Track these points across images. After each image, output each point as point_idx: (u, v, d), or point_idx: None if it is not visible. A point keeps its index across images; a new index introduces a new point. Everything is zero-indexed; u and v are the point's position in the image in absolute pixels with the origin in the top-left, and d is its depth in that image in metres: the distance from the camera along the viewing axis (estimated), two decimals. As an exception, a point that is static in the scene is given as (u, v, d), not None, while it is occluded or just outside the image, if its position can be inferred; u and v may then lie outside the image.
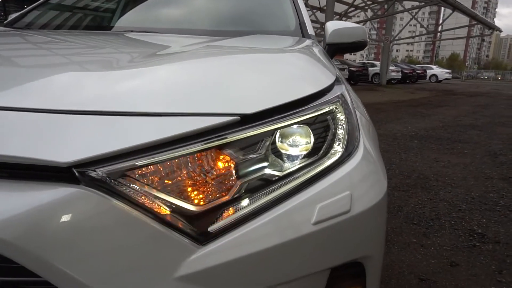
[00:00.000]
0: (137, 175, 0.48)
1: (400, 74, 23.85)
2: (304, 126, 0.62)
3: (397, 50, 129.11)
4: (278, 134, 0.59)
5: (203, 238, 0.49)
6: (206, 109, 0.54)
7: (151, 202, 0.48)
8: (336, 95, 0.72)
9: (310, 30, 1.70)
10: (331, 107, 0.68)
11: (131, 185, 0.47)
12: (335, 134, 0.66)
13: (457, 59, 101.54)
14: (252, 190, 0.55)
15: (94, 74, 0.62)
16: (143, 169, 0.48)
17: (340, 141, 0.67)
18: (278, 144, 0.59)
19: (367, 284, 0.67)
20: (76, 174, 0.44)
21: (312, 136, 0.63)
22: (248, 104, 0.57)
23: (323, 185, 0.60)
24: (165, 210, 0.48)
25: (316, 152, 0.63)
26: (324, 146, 0.64)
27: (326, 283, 0.60)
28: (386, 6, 20.88)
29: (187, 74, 0.66)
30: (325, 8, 16.81)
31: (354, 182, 0.63)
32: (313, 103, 0.65)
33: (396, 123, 6.89)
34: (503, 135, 5.99)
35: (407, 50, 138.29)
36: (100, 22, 1.88)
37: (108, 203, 0.45)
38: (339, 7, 19.88)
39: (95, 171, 0.45)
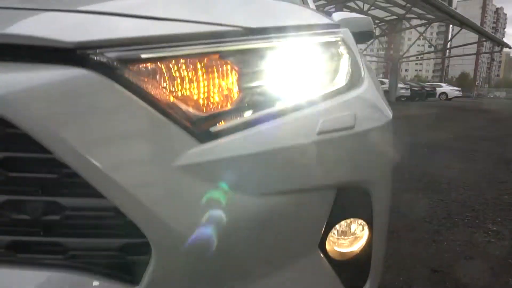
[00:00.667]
0: (142, 66, 0.48)
1: (409, 91, 23.79)
2: (307, 49, 0.62)
3: (406, 70, 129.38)
4: (282, 51, 0.58)
5: (204, 135, 0.48)
6: (213, 20, 0.54)
7: (155, 93, 0.47)
8: (340, 32, 0.72)
9: (312, 5, 1.71)
10: (335, 38, 0.68)
11: (135, 74, 0.47)
12: (339, 64, 0.66)
13: (467, 79, 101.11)
14: (255, 103, 0.54)
15: None
16: (149, 62, 0.48)
17: (343, 71, 0.66)
18: (283, 64, 0.59)
19: (373, 215, 0.64)
20: (83, 55, 0.44)
21: (318, 60, 0.62)
22: (253, 20, 0.57)
23: (327, 105, 0.59)
24: (169, 103, 0.48)
25: (319, 75, 0.62)
26: (327, 73, 0.63)
27: (332, 206, 0.58)
28: (394, 23, 21.09)
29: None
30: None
31: (358, 105, 0.61)
32: (317, 31, 0.65)
33: (406, 135, 6.82)
34: (517, 145, 5.87)
35: (416, 70, 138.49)
36: None
37: (113, 87, 0.44)
38: (347, 26, 20.08)
39: (102, 54, 0.45)
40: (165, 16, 0.52)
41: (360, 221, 0.66)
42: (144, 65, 0.48)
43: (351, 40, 0.81)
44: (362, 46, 26.69)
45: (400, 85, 23.44)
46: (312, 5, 1.89)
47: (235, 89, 0.54)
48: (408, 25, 21.93)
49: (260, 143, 0.50)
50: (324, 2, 15.94)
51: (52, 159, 0.43)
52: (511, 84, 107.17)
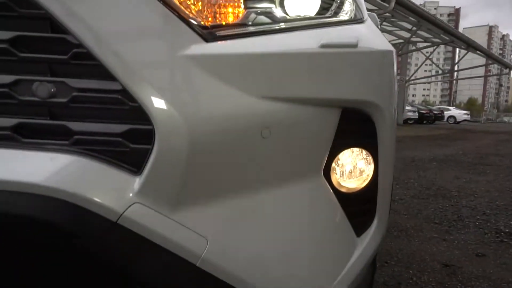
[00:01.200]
0: None
1: (416, 114, 23.71)
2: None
3: (413, 95, 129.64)
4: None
5: (210, 36, 0.49)
6: None
7: None
8: None
9: None
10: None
11: None
12: (343, 3, 0.67)
13: (475, 104, 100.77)
14: (260, 21, 0.55)
15: None
16: None
17: (347, 6, 0.67)
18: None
19: (379, 147, 0.64)
20: None
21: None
22: None
23: (332, 27, 0.60)
24: (180, 3, 0.49)
25: (324, 8, 0.63)
26: (332, 6, 0.65)
27: (336, 128, 0.58)
28: (400, 47, 21.36)
29: None
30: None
31: (361, 32, 0.62)
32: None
33: (414, 150, 6.76)
34: (527, 161, 5.77)
35: (423, 95, 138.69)
36: None
37: None
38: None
39: None
40: None
41: (365, 152, 0.65)
42: None
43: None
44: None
45: (407, 108, 23.42)
46: None
47: (241, 6, 0.55)
48: (414, 48, 22.17)
49: (262, 46, 0.51)
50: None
51: (63, 39, 0.44)
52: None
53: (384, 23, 15.71)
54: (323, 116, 0.58)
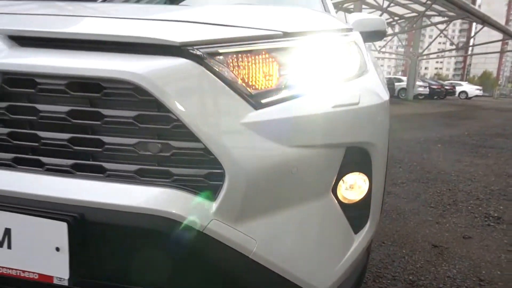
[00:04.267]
0: (219, 57, 0.73)
1: (427, 89, 23.50)
2: (327, 47, 0.86)
3: (425, 68, 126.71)
4: (309, 49, 0.83)
5: (258, 105, 0.73)
6: (263, 26, 0.79)
7: (227, 74, 0.72)
8: (353, 34, 0.96)
9: (333, 12, 1.93)
10: (348, 39, 0.92)
11: (216, 63, 0.72)
12: (351, 58, 0.90)
13: (490, 77, 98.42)
14: (289, 85, 0.79)
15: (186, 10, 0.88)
16: (224, 55, 0.73)
17: (353, 64, 0.90)
18: (309, 58, 0.83)
19: (372, 172, 0.89)
20: (184, 50, 0.69)
21: (333, 56, 0.86)
22: (289, 27, 0.82)
23: (340, 88, 0.83)
24: (233, 81, 0.73)
25: (336, 67, 0.86)
26: (341, 65, 0.88)
27: (342, 161, 0.83)
28: (415, 20, 20.90)
29: (250, 11, 0.92)
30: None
31: (362, 89, 0.85)
32: (335, 34, 0.89)
33: (421, 131, 6.93)
34: (531, 143, 5.92)
35: (436, 68, 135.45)
36: None
37: (201, 69, 0.70)
38: (366, 22, 20.02)
39: (196, 49, 0.70)
40: (232, 24, 0.77)
41: (362, 175, 0.90)
42: (221, 57, 0.73)
43: (360, 40, 1.04)
44: (382, 43, 26.50)
45: (418, 83, 23.19)
46: (332, 10, 2.10)
47: (277, 74, 0.79)
48: (428, 22, 21.64)
49: (292, 111, 0.75)
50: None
51: (167, 116, 0.68)
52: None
53: (398, -4, 15.35)
54: (333, 154, 0.82)
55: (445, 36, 22.27)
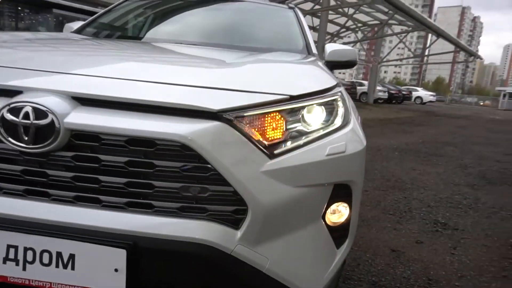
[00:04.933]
0: (244, 119, 0.94)
1: (386, 94, 24.83)
2: (321, 105, 1.10)
3: (385, 72, 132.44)
4: (307, 108, 1.06)
5: (272, 155, 0.96)
6: (274, 91, 1.01)
7: (249, 133, 0.94)
8: (339, 90, 1.21)
9: (314, 49, 2.19)
10: (335, 97, 1.16)
11: (241, 124, 0.93)
12: (337, 112, 1.14)
13: (443, 83, 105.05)
14: (294, 136, 1.02)
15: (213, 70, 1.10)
16: (246, 117, 0.94)
17: (340, 116, 1.15)
18: (307, 114, 1.07)
19: (352, 201, 1.14)
20: (220, 115, 0.90)
21: (325, 111, 1.11)
22: (294, 90, 1.05)
23: (331, 139, 1.07)
24: (254, 138, 0.94)
25: (327, 120, 1.10)
26: (331, 118, 1.12)
27: (330, 194, 1.07)
28: (376, 29, 21.95)
29: (262, 74, 1.15)
30: (318, 28, 17.62)
31: (347, 138, 1.10)
32: (327, 93, 1.13)
33: (381, 138, 7.46)
34: (475, 152, 6.61)
35: (394, 72, 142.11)
36: (146, 33, 2.34)
37: (230, 130, 0.91)
38: (331, 28, 20.79)
39: (227, 114, 0.91)
40: (252, 89, 0.99)
41: (344, 203, 1.15)
42: (245, 119, 0.94)
43: (344, 92, 1.29)
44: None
45: (378, 88, 24.41)
46: (309, 33, 2.37)
47: (284, 128, 1.01)
48: (389, 31, 22.81)
49: (296, 160, 0.98)
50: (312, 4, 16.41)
51: (206, 166, 0.88)
52: (483, 91, 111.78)
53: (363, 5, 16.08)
54: (325, 190, 1.06)
55: (404, 44, 23.59)
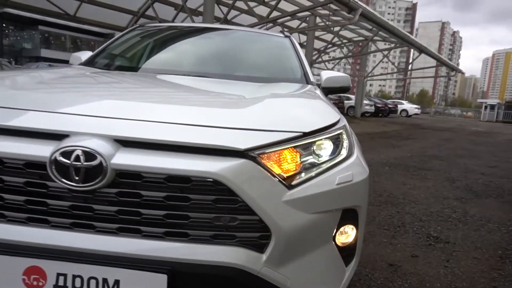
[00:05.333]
0: (265, 156, 1.07)
1: (373, 107, 25.43)
2: (329, 139, 1.25)
3: (370, 85, 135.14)
4: (317, 142, 1.20)
5: (290, 187, 1.09)
6: (290, 129, 1.15)
7: (271, 167, 1.07)
8: (344, 124, 1.36)
9: (311, 77, 2.36)
10: (341, 130, 1.31)
11: (264, 159, 1.06)
12: (343, 144, 1.29)
13: (426, 96, 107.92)
14: (307, 168, 1.16)
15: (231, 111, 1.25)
16: (267, 153, 1.07)
17: (345, 148, 1.29)
18: (318, 147, 1.21)
19: (358, 223, 1.28)
20: (246, 153, 1.04)
21: (332, 145, 1.25)
22: (306, 127, 1.19)
23: (339, 169, 1.21)
24: (275, 172, 1.08)
25: (335, 152, 1.25)
26: (338, 150, 1.26)
27: (340, 218, 1.21)
28: (360, 44, 22.62)
29: (278, 112, 1.30)
30: (305, 44, 18.08)
31: (353, 168, 1.25)
32: (334, 127, 1.28)
33: (371, 153, 7.67)
34: (461, 165, 6.87)
35: (380, 85, 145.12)
36: (161, 65, 2.45)
37: (255, 166, 1.04)
38: (318, 44, 21.33)
39: (252, 152, 1.05)
40: (272, 128, 1.13)
41: (352, 226, 1.28)
42: (266, 155, 1.08)
43: (347, 125, 1.45)
44: (330, 65, 28.34)
45: (365, 102, 24.97)
46: (306, 62, 2.54)
47: (299, 161, 1.15)
48: (374, 47, 23.53)
49: (310, 191, 1.12)
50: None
51: (236, 199, 1.01)
52: (465, 103, 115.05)
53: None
54: (335, 215, 1.20)
55: (388, 59, 24.32)
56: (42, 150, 0.99)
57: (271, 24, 15.02)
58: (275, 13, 12.70)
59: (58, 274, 0.99)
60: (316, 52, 21.54)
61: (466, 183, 5.20)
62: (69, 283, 0.99)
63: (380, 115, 26.60)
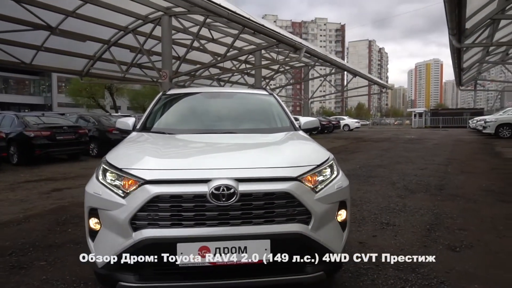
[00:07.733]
0: (304, 179, 2.20)
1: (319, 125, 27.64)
2: (328, 166, 2.45)
3: (312, 103, 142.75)
4: (323, 169, 2.39)
5: (316, 192, 2.24)
6: (311, 163, 2.34)
7: (307, 183, 2.22)
8: (333, 157, 2.59)
9: (296, 125, 3.62)
10: (332, 161, 2.52)
11: (304, 180, 2.21)
12: (334, 168, 2.50)
13: (363, 108, 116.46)
14: (321, 182, 2.32)
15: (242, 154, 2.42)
16: (304, 177, 2.22)
17: (336, 170, 2.50)
18: (323, 171, 2.39)
19: (347, 208, 2.48)
20: (296, 178, 2.18)
21: (329, 168, 2.45)
22: (317, 161, 2.37)
23: (335, 181, 2.39)
24: (309, 185, 2.24)
25: (332, 172, 2.45)
26: (333, 171, 2.47)
27: (338, 206, 2.39)
28: (303, 69, 24.94)
29: (301, 153, 2.50)
30: (253, 73, 19.73)
31: (341, 180, 2.44)
32: (329, 159, 2.49)
33: (327, 167, 9.07)
34: (399, 170, 8.51)
35: (320, 102, 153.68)
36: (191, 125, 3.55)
37: (301, 184, 2.17)
38: (264, 72, 23.17)
39: (299, 177, 2.18)
40: (302, 164, 2.28)
41: (344, 210, 2.44)
42: (304, 178, 2.21)
43: (332, 157, 2.66)
44: (278, 89, 30.58)
45: (312, 121, 27.14)
46: (289, 113, 3.80)
47: (316, 179, 2.32)
48: (315, 72, 26.03)
49: (325, 193, 2.26)
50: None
51: (295, 200, 2.12)
52: (398, 112, 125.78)
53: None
54: (336, 204, 2.39)
55: (329, 82, 26.99)
56: (202, 188, 2.07)
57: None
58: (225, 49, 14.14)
59: (216, 248, 2.05)
60: (263, 79, 23.38)
61: (404, 184, 6.74)
62: (222, 251, 2.06)
63: (325, 131, 28.92)
